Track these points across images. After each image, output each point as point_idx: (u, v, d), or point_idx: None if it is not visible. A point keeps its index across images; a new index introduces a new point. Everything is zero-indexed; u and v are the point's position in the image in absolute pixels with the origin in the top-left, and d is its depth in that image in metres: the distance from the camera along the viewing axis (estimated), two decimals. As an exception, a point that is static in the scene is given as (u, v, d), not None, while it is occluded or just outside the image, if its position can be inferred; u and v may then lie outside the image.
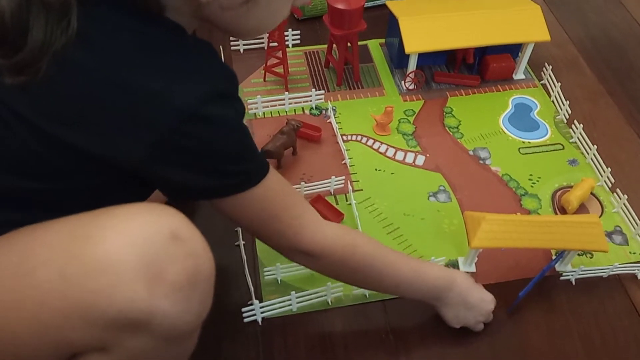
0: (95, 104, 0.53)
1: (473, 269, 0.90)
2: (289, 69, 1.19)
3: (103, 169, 0.57)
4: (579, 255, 0.93)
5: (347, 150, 1.06)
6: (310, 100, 1.15)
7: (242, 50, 1.27)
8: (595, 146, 1.06)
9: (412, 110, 1.16)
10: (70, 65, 0.52)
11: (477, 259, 0.90)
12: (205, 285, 0.54)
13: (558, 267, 0.90)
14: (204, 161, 0.57)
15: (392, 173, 1.04)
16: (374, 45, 1.30)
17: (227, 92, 0.57)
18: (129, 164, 0.55)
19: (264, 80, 1.20)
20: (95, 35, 0.53)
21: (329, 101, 1.16)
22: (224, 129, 0.57)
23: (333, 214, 0.96)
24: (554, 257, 0.90)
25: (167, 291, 0.50)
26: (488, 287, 0.89)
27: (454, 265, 0.91)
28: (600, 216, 0.99)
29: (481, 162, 1.07)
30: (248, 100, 1.12)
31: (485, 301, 0.81)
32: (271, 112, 1.14)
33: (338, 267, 0.73)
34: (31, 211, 0.58)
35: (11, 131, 0.55)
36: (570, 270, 0.89)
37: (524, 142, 1.11)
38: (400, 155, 1.07)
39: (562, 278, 0.90)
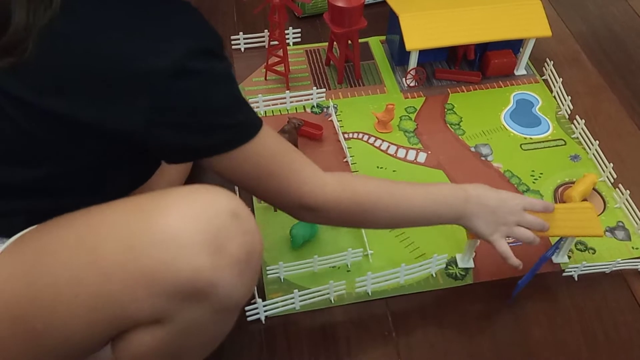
0: (85, 73, 0.54)
1: (471, 264, 0.90)
2: (290, 68, 1.19)
3: (102, 144, 0.58)
4: (581, 251, 0.93)
5: (348, 148, 1.06)
6: (312, 99, 1.15)
7: (243, 49, 1.27)
8: (597, 141, 1.06)
9: (413, 107, 1.16)
10: (55, 37, 0.53)
11: (475, 254, 0.90)
12: (257, 262, 0.57)
13: (555, 259, 0.91)
14: (199, 117, 0.57)
15: (394, 171, 1.04)
16: (375, 43, 1.30)
17: (212, 49, 0.57)
18: (130, 132, 0.56)
19: (265, 79, 1.20)
20: (79, 4, 0.53)
21: (330, 99, 1.16)
22: (214, 82, 0.57)
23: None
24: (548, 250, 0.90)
25: (227, 263, 0.53)
26: (487, 284, 0.89)
27: (452, 262, 0.91)
28: (602, 212, 0.99)
29: (483, 158, 1.07)
30: (249, 99, 1.12)
31: (505, 199, 0.79)
32: (272, 111, 1.14)
33: (344, 215, 0.72)
34: (40, 199, 0.59)
35: (3, 115, 0.55)
36: (573, 266, 0.89)
37: (525, 138, 1.11)
38: (401, 153, 1.07)
39: (564, 274, 0.90)
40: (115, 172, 0.64)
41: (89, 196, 0.58)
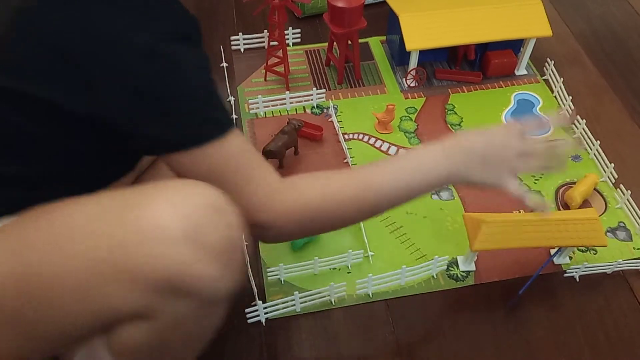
0: (62, 54, 0.53)
1: (473, 267, 0.90)
2: (290, 68, 1.19)
3: (91, 132, 0.57)
4: (582, 251, 0.93)
5: (348, 149, 1.06)
6: (312, 99, 1.14)
7: (242, 50, 1.27)
8: (599, 142, 1.06)
9: (413, 107, 1.16)
10: (29, 22, 0.52)
11: (477, 257, 0.90)
12: (240, 254, 0.56)
13: (557, 260, 0.91)
14: (178, 104, 0.56)
15: (394, 171, 1.04)
16: (375, 43, 1.30)
17: (190, 34, 0.57)
18: (107, 118, 0.55)
19: (265, 79, 1.20)
20: None
21: (330, 100, 1.15)
22: (190, 69, 0.56)
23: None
24: (552, 253, 0.90)
25: (210, 256, 0.52)
26: (488, 285, 0.89)
27: (454, 263, 0.91)
28: (603, 212, 0.99)
29: (483, 159, 1.07)
30: (249, 100, 1.12)
31: (493, 134, 0.69)
32: (272, 112, 1.13)
33: (302, 229, 0.67)
34: (22, 190, 0.59)
35: None
36: (574, 267, 0.89)
37: (526, 139, 1.11)
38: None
39: (566, 275, 0.89)
40: (97, 163, 0.63)
41: (70, 186, 0.57)
